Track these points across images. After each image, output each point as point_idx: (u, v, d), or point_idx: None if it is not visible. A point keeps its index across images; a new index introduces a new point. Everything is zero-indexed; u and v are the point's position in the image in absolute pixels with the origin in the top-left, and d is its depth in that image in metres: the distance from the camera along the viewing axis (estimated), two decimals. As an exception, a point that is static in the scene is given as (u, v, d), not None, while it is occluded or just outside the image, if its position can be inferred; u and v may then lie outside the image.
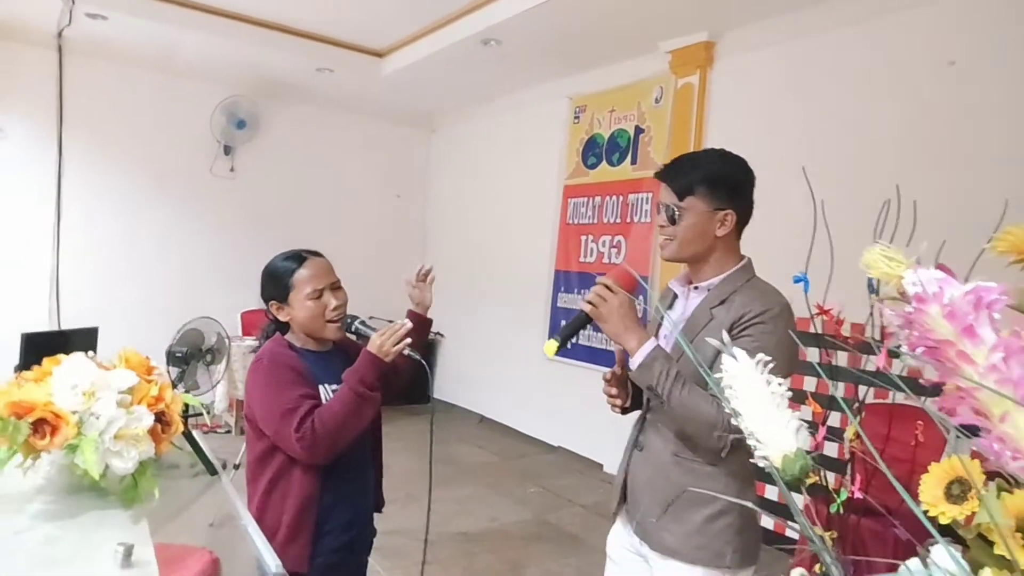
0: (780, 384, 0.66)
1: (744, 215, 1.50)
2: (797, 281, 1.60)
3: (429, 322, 1.90)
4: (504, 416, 5.78)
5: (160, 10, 4.60)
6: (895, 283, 0.48)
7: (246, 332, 5.66)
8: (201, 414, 1.67)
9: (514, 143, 6.05)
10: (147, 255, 5.78)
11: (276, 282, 1.66)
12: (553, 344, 1.46)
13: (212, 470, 1.17)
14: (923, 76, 3.23)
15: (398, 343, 1.58)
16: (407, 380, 1.81)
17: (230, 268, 6.04)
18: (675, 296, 1.61)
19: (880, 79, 3.41)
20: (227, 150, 6.01)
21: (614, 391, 1.57)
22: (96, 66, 5.40)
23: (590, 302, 1.44)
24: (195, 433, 1.31)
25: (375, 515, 1.80)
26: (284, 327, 1.71)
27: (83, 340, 3.58)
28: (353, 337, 1.75)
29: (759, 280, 1.50)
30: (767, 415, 0.66)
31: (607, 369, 1.58)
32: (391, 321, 1.69)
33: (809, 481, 1.83)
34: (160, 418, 1.06)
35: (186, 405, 1.21)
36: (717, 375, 0.71)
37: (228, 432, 5.18)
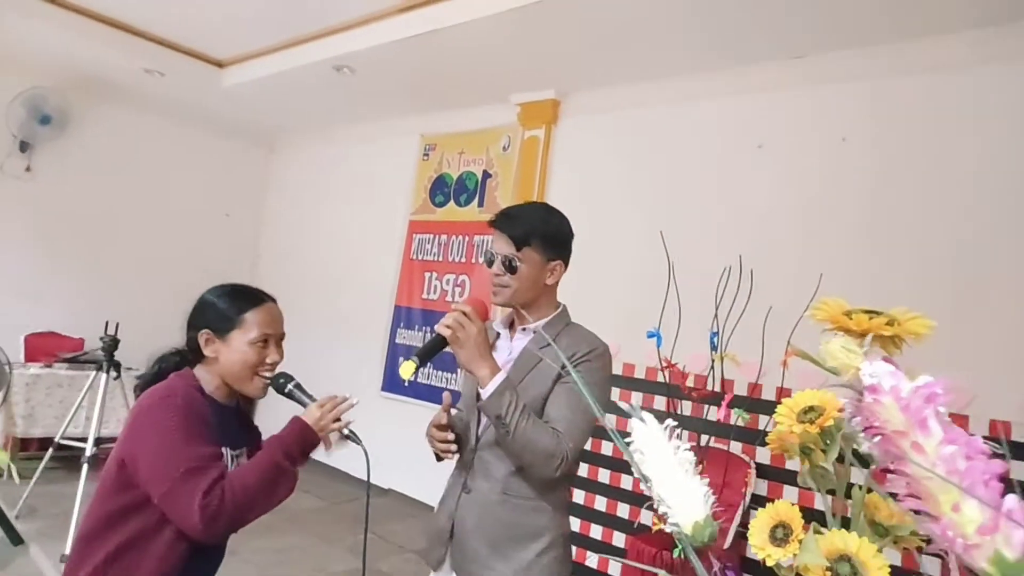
0: (688, 451, 0.68)
1: (567, 266, 1.64)
2: (651, 336, 1.70)
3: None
4: (334, 458, 5.49)
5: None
6: (851, 373, 0.51)
7: (30, 358, 4.88)
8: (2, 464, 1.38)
9: (360, 173, 5.92)
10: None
11: (221, 313, 1.47)
12: (410, 365, 1.44)
13: (16, 539, 0.96)
14: (735, 156, 3.65)
15: (338, 419, 1.45)
16: None
17: (17, 283, 5.23)
18: (497, 335, 1.69)
19: (698, 154, 3.80)
20: (24, 146, 5.23)
21: (451, 436, 1.58)
22: None
23: (448, 327, 1.47)
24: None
25: None
26: (191, 362, 1.48)
27: None
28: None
29: (577, 325, 1.64)
30: (677, 482, 0.68)
31: (435, 414, 1.59)
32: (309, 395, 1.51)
33: (655, 528, 1.93)
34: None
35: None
36: (627, 440, 0.72)
37: (0, 476, 4.37)
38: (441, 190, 5.18)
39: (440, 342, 1.49)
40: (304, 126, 6.30)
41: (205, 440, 1.35)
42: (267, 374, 1.48)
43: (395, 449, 4.99)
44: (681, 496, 0.68)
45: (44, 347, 5.03)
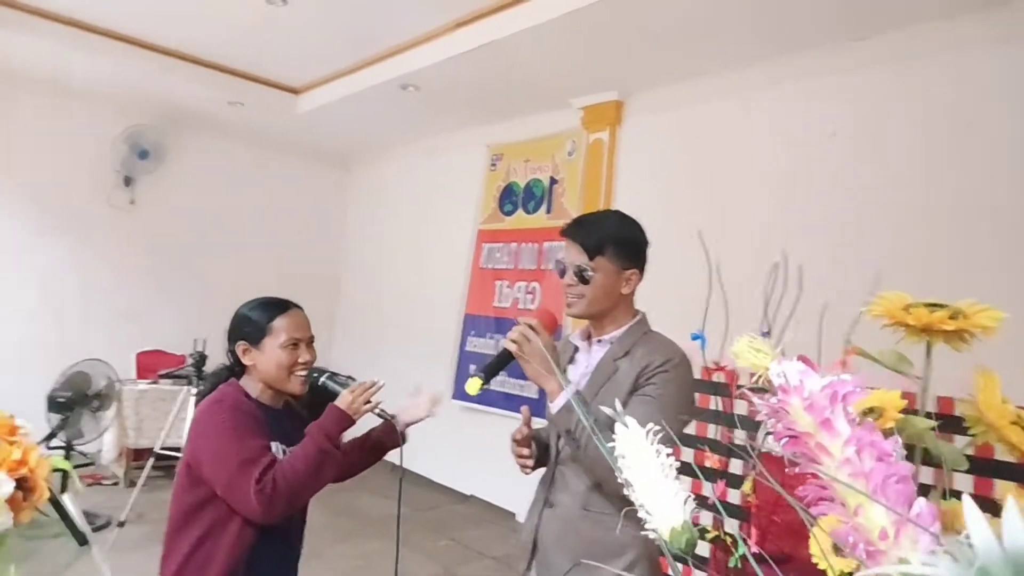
0: (669, 455, 0.68)
1: (643, 274, 1.58)
2: (695, 338, 1.66)
3: (401, 442, 1.79)
4: (417, 465, 5.64)
5: (57, 31, 4.36)
6: (762, 373, 0.50)
7: (141, 375, 5.31)
8: (67, 471, 1.53)
9: (430, 186, 6.08)
10: (33, 291, 5.35)
11: (253, 324, 1.60)
12: (476, 382, 1.45)
13: (82, 540, 1.07)
14: (806, 145, 3.50)
15: (369, 401, 1.55)
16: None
17: (127, 305, 5.69)
18: (576, 349, 1.66)
19: (766, 146, 3.66)
20: (127, 181, 5.71)
21: (526, 452, 1.57)
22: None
23: (514, 341, 1.45)
24: (66, 496, 1.21)
25: None
26: (238, 374, 1.64)
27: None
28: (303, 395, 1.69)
29: (656, 333, 1.57)
30: (656, 487, 0.67)
31: (516, 424, 1.58)
32: (353, 378, 1.64)
33: (711, 535, 1.88)
34: (22, 484, 0.96)
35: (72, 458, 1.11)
36: (610, 444, 0.72)
37: (116, 484, 4.77)
38: (509, 198, 5.24)
39: (506, 357, 1.48)
40: (376, 144, 6.54)
41: (255, 435, 1.49)
42: (302, 372, 1.60)
43: (473, 455, 5.08)
44: (660, 501, 0.67)
45: (151, 364, 5.45)
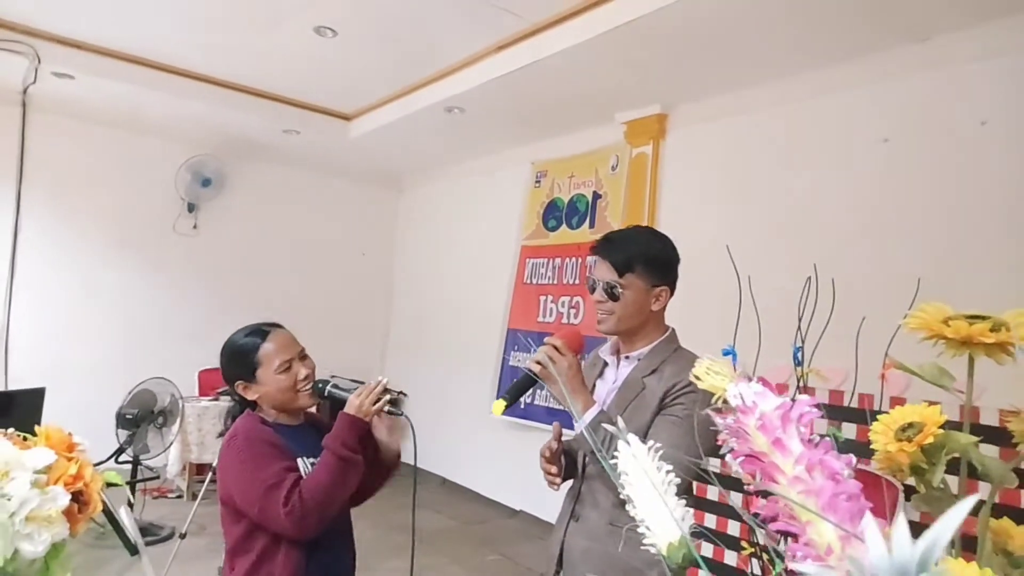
0: (669, 471, 0.69)
1: (673, 291, 1.57)
2: (726, 354, 1.64)
3: (398, 458, 1.79)
4: (465, 478, 5.69)
5: (127, 71, 4.67)
6: (720, 395, 0.52)
7: (203, 392, 5.54)
8: (119, 485, 1.61)
9: (478, 205, 6.17)
10: (103, 313, 5.67)
11: (241, 360, 1.61)
12: (500, 404, 1.46)
13: (132, 550, 1.14)
14: (857, 153, 3.41)
15: (376, 401, 1.55)
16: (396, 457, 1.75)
17: (190, 326, 5.96)
18: (605, 364, 1.66)
19: (816, 156, 3.59)
20: (191, 207, 6.01)
21: (553, 469, 1.58)
22: (59, 123, 5.41)
23: (538, 362, 1.45)
24: (123, 510, 1.29)
25: None
26: (251, 405, 1.65)
27: (29, 401, 3.49)
28: (323, 403, 1.70)
29: (685, 350, 1.56)
30: (655, 502, 0.69)
31: (545, 442, 1.59)
32: (360, 382, 1.64)
33: (747, 551, 1.84)
34: (77, 497, 1.04)
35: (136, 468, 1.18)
36: (613, 461, 0.73)
37: (179, 497, 4.99)
38: (553, 214, 5.27)
39: (530, 379, 1.48)
40: (424, 165, 6.69)
41: (274, 458, 1.51)
42: (307, 388, 1.61)
43: (521, 470, 5.09)
44: (658, 517, 0.68)
45: (213, 382, 5.68)
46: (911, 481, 0.85)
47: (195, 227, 6.07)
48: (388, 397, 1.58)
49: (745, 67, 3.73)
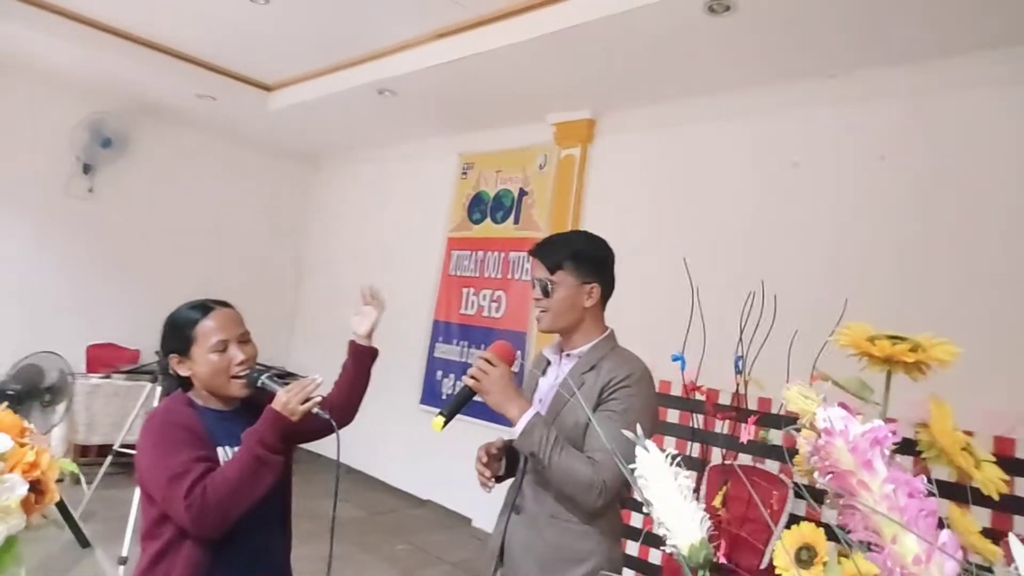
0: (686, 477, 0.74)
1: (607, 288, 1.66)
2: (675, 359, 1.74)
3: (374, 352, 1.85)
4: (373, 468, 5.62)
5: (18, 9, 4.20)
6: (808, 417, 0.57)
7: (91, 368, 5.16)
8: (77, 473, 1.51)
9: (401, 191, 6.08)
10: (-22, 278, 5.14)
11: (177, 333, 1.54)
12: (440, 420, 1.50)
13: (84, 542, 1.07)
14: (775, 174, 3.65)
15: (307, 400, 1.48)
16: (310, 437, 1.71)
17: (80, 298, 5.52)
18: (548, 362, 1.73)
19: (737, 174, 3.81)
20: (87, 168, 5.53)
21: (488, 472, 1.62)
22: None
23: (473, 376, 1.52)
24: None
25: None
26: (187, 384, 1.58)
27: None
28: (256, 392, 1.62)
29: (622, 348, 1.65)
30: (675, 506, 0.74)
31: (487, 434, 1.63)
32: (293, 376, 1.61)
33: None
34: (35, 487, 0.97)
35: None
36: (631, 466, 0.77)
37: (60, 480, 4.60)
38: (478, 207, 5.29)
39: (467, 394, 1.54)
40: (347, 146, 6.51)
41: (187, 445, 1.44)
42: (241, 373, 1.53)
43: (433, 461, 5.10)
44: (679, 519, 0.73)
45: (103, 358, 5.30)
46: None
47: (90, 191, 5.59)
48: (318, 398, 1.51)
49: (674, 81, 3.89)
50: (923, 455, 1.06)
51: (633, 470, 0.78)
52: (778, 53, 3.35)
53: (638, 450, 0.79)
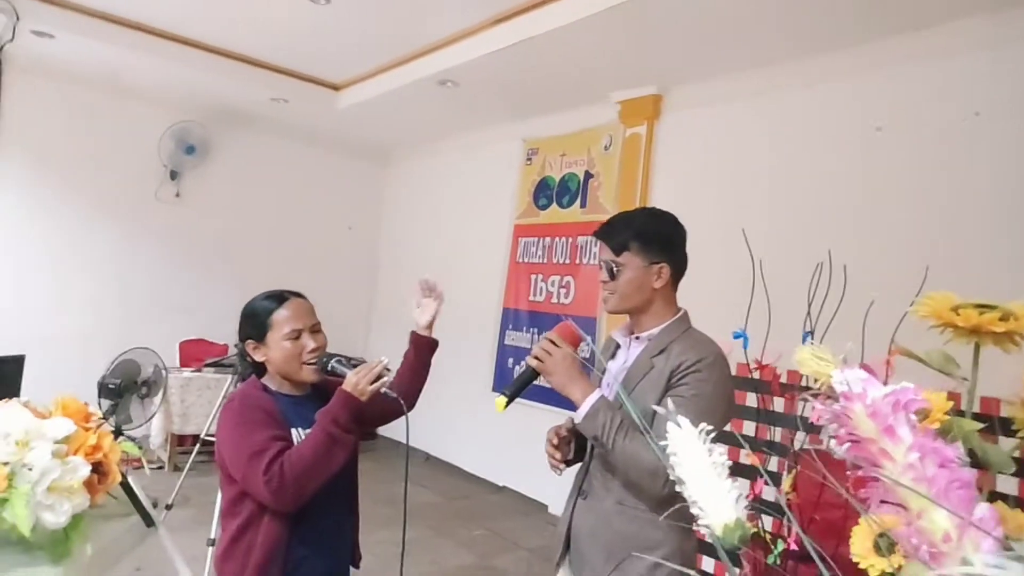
0: (721, 454, 0.69)
1: (678, 267, 1.58)
2: (737, 337, 1.66)
3: (433, 343, 1.90)
4: (450, 454, 5.72)
5: (111, 32, 4.52)
6: (824, 380, 0.51)
7: (184, 363, 5.48)
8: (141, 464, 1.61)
9: (468, 181, 6.12)
10: (83, 281, 5.55)
11: (254, 320, 1.63)
12: (502, 400, 1.50)
13: (149, 521, 1.13)
14: (853, 141, 3.43)
15: (375, 381, 1.54)
16: (380, 420, 1.81)
17: (171, 296, 5.86)
18: (617, 346, 1.67)
19: (813, 142, 3.60)
20: (174, 175, 5.87)
21: (558, 455, 1.59)
22: (38, 84, 5.23)
23: (536, 357, 1.49)
24: (130, 479, 1.27)
25: (352, 570, 1.72)
26: (261, 370, 1.68)
27: (8, 369, 3.40)
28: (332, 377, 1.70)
29: (695, 331, 1.57)
30: (709, 484, 0.69)
31: (559, 420, 1.60)
32: (361, 360, 1.65)
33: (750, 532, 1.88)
34: (97, 468, 1.02)
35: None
36: (663, 443, 0.73)
37: (160, 468, 4.95)
38: (544, 193, 5.25)
39: (531, 374, 1.52)
40: (414, 140, 6.60)
41: (265, 425, 1.52)
42: (312, 360, 1.61)
43: (509, 447, 5.12)
44: (713, 498, 0.69)
45: (195, 353, 5.61)
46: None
47: (177, 195, 5.93)
48: (387, 379, 1.57)
49: (741, 51, 3.71)
50: (1020, 434, 0.96)
51: (664, 447, 0.74)
52: (856, 9, 3.13)
53: (669, 425, 0.75)
